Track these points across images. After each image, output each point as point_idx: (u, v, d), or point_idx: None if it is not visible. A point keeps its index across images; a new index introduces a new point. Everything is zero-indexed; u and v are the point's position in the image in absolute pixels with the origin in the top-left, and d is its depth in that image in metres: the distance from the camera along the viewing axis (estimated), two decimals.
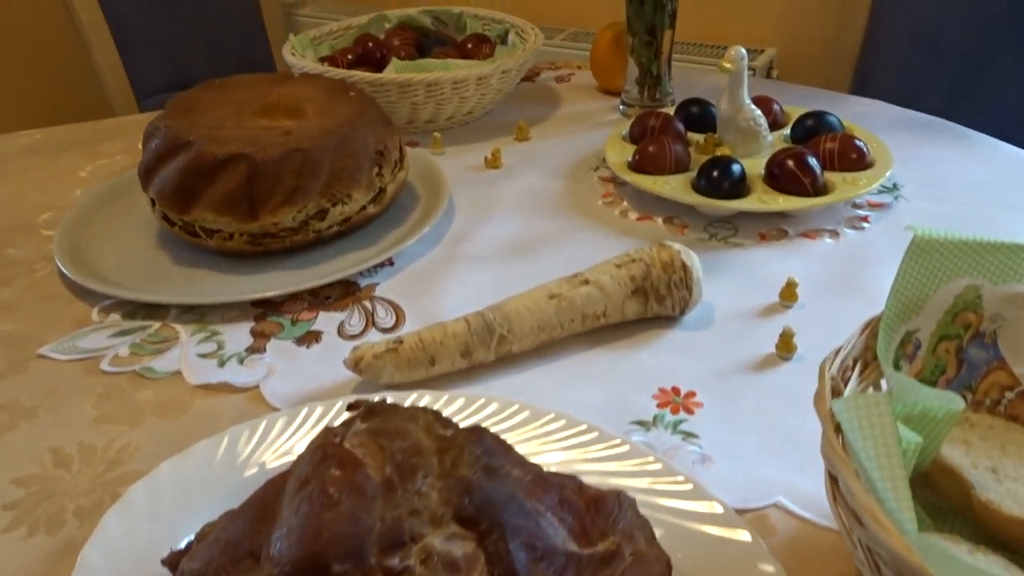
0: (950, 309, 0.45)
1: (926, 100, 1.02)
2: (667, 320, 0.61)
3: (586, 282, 0.58)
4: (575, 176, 0.85)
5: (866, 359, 0.43)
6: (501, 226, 0.76)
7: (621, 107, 1.00)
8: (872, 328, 0.43)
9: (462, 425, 0.47)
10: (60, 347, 0.61)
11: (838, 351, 0.40)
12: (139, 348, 0.61)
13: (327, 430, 0.41)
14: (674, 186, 0.74)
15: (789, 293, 0.62)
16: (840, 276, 0.66)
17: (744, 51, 0.77)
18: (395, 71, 0.92)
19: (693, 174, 0.76)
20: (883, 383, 0.44)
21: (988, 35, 1.13)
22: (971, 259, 0.44)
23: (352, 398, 0.50)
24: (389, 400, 0.49)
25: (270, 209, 0.66)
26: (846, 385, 0.40)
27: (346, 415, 0.43)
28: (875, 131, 0.83)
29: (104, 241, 0.73)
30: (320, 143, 0.67)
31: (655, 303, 0.59)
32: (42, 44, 1.89)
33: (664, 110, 0.88)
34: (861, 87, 1.22)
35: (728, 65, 0.76)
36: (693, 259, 0.60)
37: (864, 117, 0.91)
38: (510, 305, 0.57)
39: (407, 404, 0.47)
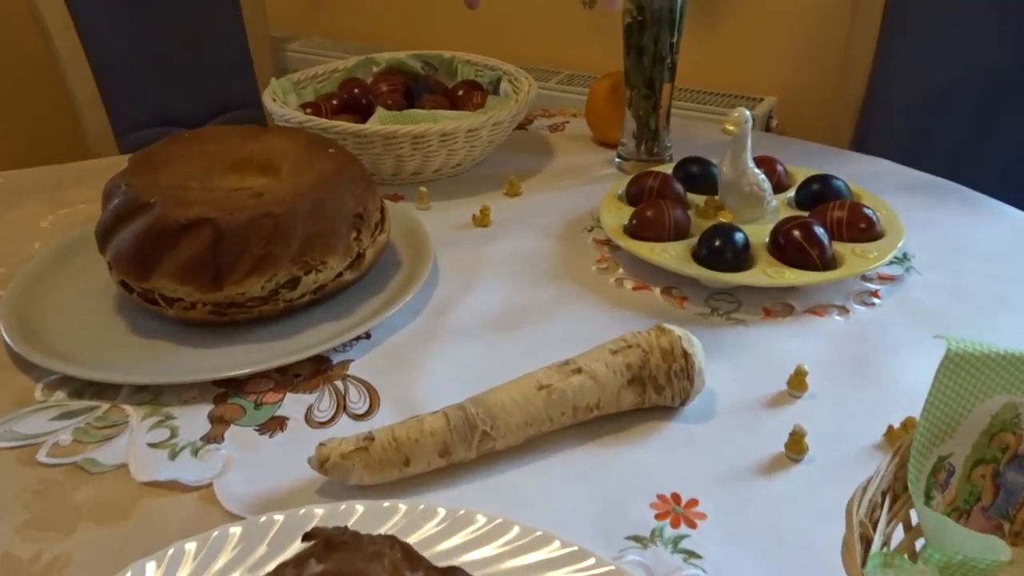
0: (986, 430, 0.40)
1: (930, 156, 0.98)
2: (665, 410, 0.56)
3: (579, 371, 0.53)
4: (568, 237, 0.80)
5: (895, 491, 0.37)
6: (488, 294, 0.71)
7: (617, 161, 0.95)
8: (901, 455, 0.38)
9: (439, 547, 0.42)
10: None
11: (865, 487, 0.35)
12: (83, 434, 0.55)
13: (279, 570, 0.35)
14: (673, 255, 0.69)
15: (798, 382, 0.57)
16: (852, 361, 0.61)
17: (748, 113, 0.72)
18: (380, 121, 0.87)
19: (694, 241, 0.71)
20: (913, 514, 0.39)
21: (995, 91, 1.10)
22: (1009, 374, 0.39)
23: (314, 515, 0.44)
24: (357, 511, 0.44)
25: (236, 279, 0.61)
26: (875, 527, 0.35)
27: (301, 546, 0.38)
28: (881, 193, 0.79)
29: (57, 304, 0.68)
30: (293, 206, 0.62)
31: (653, 393, 0.54)
32: (16, 76, 1.85)
33: (662, 167, 0.84)
34: (863, 140, 1.18)
35: (731, 128, 0.71)
36: (695, 346, 0.55)
37: (870, 178, 0.87)
38: (495, 398, 0.51)
39: (375, 527, 0.42)
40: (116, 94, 1.37)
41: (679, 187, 0.79)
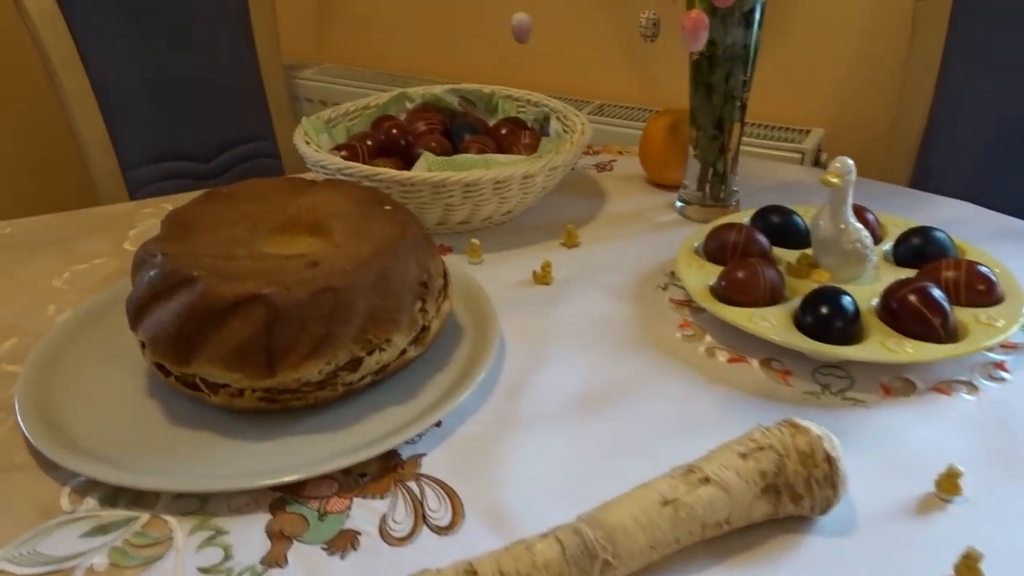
0: None
1: (997, 196, 0.91)
2: (799, 520, 0.48)
3: (706, 480, 0.45)
4: (641, 297, 0.72)
5: None
6: (563, 367, 0.63)
7: (679, 205, 0.88)
8: None
9: None
10: (17, 553, 0.47)
11: None
12: (121, 556, 0.47)
13: None
14: (775, 323, 0.62)
15: (950, 485, 0.50)
16: (1000, 451, 0.54)
17: (851, 163, 0.65)
18: (428, 167, 0.79)
19: (792, 305, 0.64)
20: None
21: None
22: None
23: None
24: None
25: (292, 363, 0.53)
26: None
27: None
28: (975, 243, 0.72)
29: (81, 387, 0.59)
30: (355, 280, 0.55)
31: (789, 503, 0.47)
32: (18, 109, 1.77)
33: (735, 216, 0.77)
34: (924, 177, 1.12)
35: (834, 180, 0.64)
36: (836, 447, 0.47)
37: (956, 224, 0.79)
38: (613, 517, 0.44)
39: None
40: (123, 128, 1.29)
41: (764, 241, 0.72)
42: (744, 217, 0.78)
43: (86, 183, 1.30)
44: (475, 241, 0.79)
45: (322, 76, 1.60)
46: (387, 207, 0.63)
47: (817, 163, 1.23)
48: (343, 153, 0.86)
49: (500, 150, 0.88)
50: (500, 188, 0.79)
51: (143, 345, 0.57)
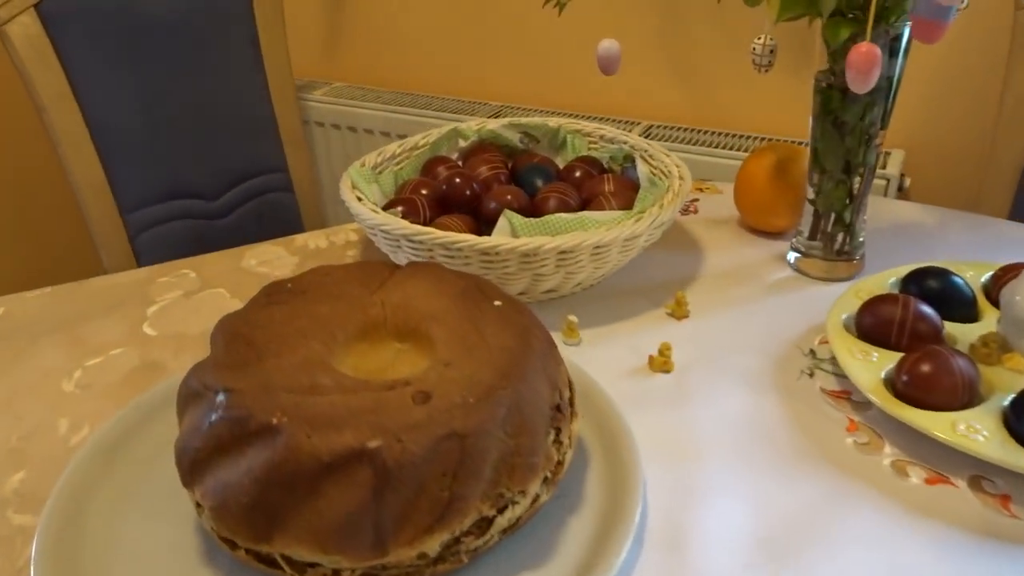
0: None
1: None
2: None
3: None
4: (786, 387, 0.60)
5: None
6: (724, 501, 0.50)
7: (792, 258, 0.75)
8: None
9: None
10: None
11: None
12: None
13: None
14: (989, 436, 0.50)
15: None
16: None
17: None
18: (512, 230, 0.66)
19: (996, 406, 0.52)
20: None
21: None
22: None
23: None
24: None
25: (407, 538, 0.40)
26: None
27: None
28: None
29: (114, 551, 0.46)
30: (482, 419, 0.41)
31: None
32: (2, 151, 1.61)
33: (871, 279, 0.65)
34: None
35: None
36: None
37: None
38: None
39: None
40: (121, 167, 1.15)
41: (935, 318, 0.59)
42: (887, 281, 0.66)
43: (81, 228, 1.15)
44: (572, 318, 0.66)
45: (333, 97, 1.46)
46: (496, 302, 0.50)
47: (901, 190, 1.11)
48: (401, 209, 0.72)
49: (583, 200, 0.75)
50: (599, 253, 0.66)
51: (199, 505, 0.43)
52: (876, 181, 1.09)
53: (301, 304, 0.49)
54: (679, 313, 0.69)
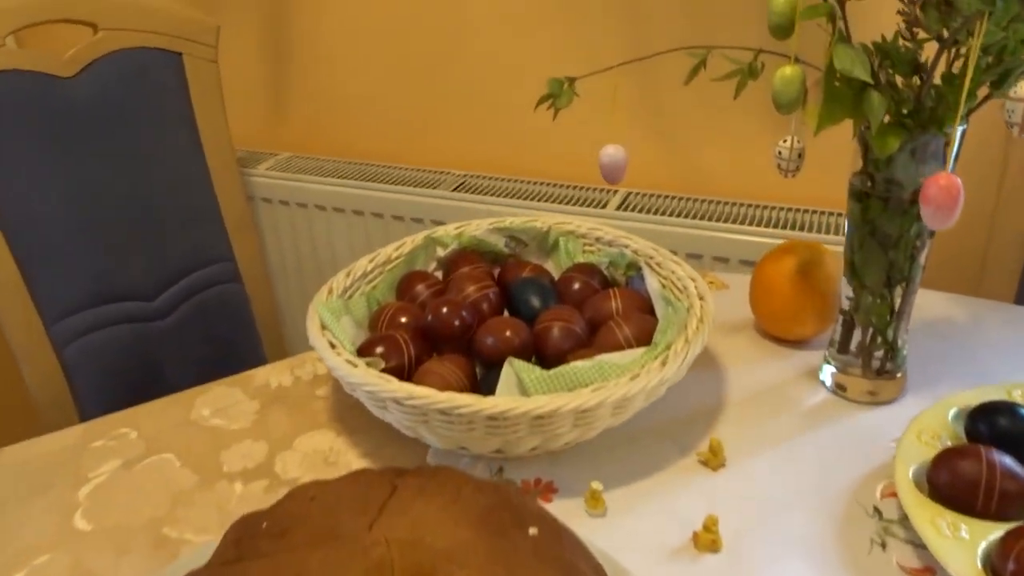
0: None
1: None
2: None
3: None
4: (856, 565, 0.51)
5: None
6: None
7: (828, 376, 0.67)
8: None
9: None
10: None
11: None
12: None
13: None
14: None
15: None
16: None
17: None
18: (520, 384, 0.56)
19: None
20: None
21: None
22: None
23: None
24: None
25: None
26: None
27: None
28: None
29: None
30: None
31: None
32: None
33: (927, 413, 0.57)
34: None
35: None
36: None
37: None
38: None
39: None
40: (42, 271, 1.01)
41: (1018, 470, 0.51)
42: (947, 414, 0.58)
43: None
44: (596, 486, 0.55)
45: (279, 171, 1.34)
46: (531, 529, 0.40)
47: None
48: (380, 351, 0.62)
49: (589, 326, 0.65)
50: (623, 406, 0.56)
51: None
52: None
53: (284, 554, 0.38)
54: (714, 463, 0.59)
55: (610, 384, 0.55)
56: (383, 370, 0.60)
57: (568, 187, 1.22)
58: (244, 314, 1.21)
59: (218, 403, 0.69)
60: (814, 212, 1.10)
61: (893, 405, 0.65)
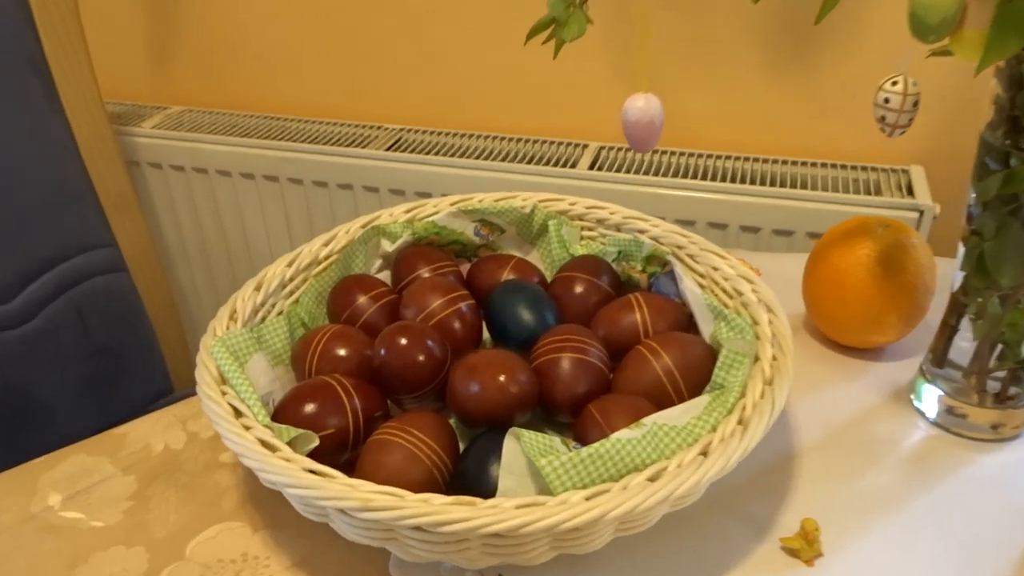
0: None
1: None
2: None
3: None
4: None
5: None
6: None
7: (935, 402, 0.49)
8: None
9: None
10: None
11: None
12: None
13: None
14: None
15: None
16: None
17: None
18: (531, 473, 0.36)
19: None
20: None
21: None
22: None
23: None
24: None
25: None
26: None
27: None
28: None
29: None
30: None
31: None
32: None
33: None
34: None
35: None
36: None
37: None
38: None
39: None
40: None
41: None
42: None
43: None
44: None
45: (170, 129, 1.09)
46: None
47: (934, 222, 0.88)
48: (310, 408, 0.41)
49: (608, 350, 0.46)
50: (691, 495, 0.37)
51: None
52: (904, 212, 0.85)
53: None
54: (808, 554, 0.41)
55: (672, 465, 0.36)
56: (320, 439, 0.40)
57: (526, 142, 1.01)
58: (133, 311, 0.97)
59: (75, 484, 0.48)
60: (821, 166, 0.92)
61: (1018, 442, 0.48)
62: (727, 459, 0.36)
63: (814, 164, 0.92)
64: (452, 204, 0.56)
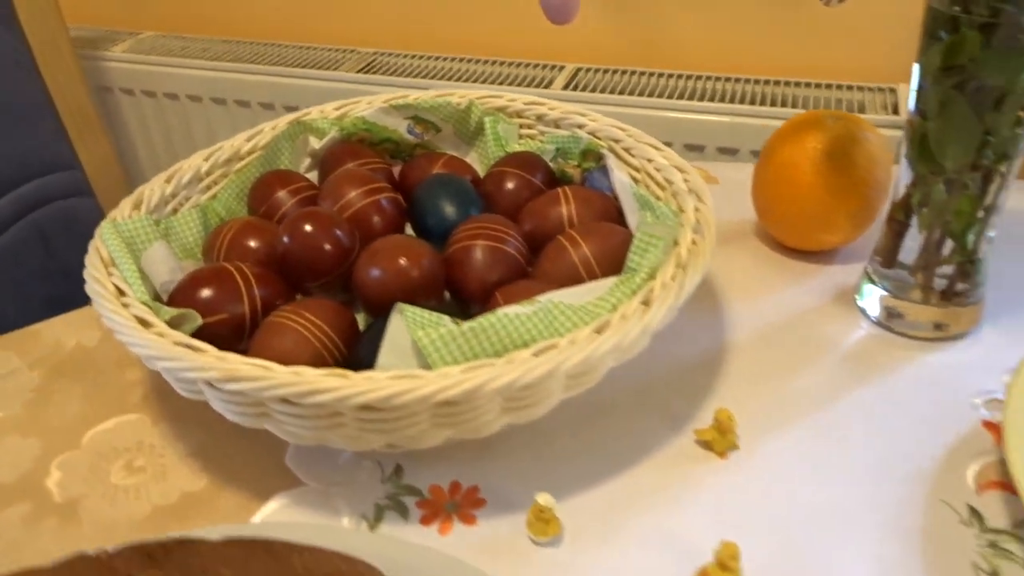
0: None
1: None
2: None
3: None
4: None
5: None
6: None
7: (876, 302, 0.47)
8: None
9: None
10: None
11: None
12: None
13: None
14: None
15: None
16: None
17: None
18: (415, 346, 0.34)
19: None
20: None
21: None
22: None
23: None
24: None
25: None
26: None
27: None
28: None
29: None
30: None
31: None
32: None
33: (983, 326, 0.37)
34: None
35: None
36: None
37: None
38: None
39: None
40: None
41: None
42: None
43: None
44: (544, 501, 0.35)
45: (141, 54, 1.06)
46: None
47: None
48: (206, 294, 0.39)
49: (528, 240, 0.44)
50: (582, 375, 0.35)
51: None
52: (890, 132, 0.81)
53: None
54: (721, 445, 0.39)
55: (563, 342, 0.34)
56: (211, 324, 0.38)
57: (502, 63, 0.98)
58: None
59: None
60: (806, 85, 0.88)
61: (966, 341, 0.45)
62: (623, 336, 0.34)
63: (798, 84, 0.88)
64: (385, 100, 0.54)
